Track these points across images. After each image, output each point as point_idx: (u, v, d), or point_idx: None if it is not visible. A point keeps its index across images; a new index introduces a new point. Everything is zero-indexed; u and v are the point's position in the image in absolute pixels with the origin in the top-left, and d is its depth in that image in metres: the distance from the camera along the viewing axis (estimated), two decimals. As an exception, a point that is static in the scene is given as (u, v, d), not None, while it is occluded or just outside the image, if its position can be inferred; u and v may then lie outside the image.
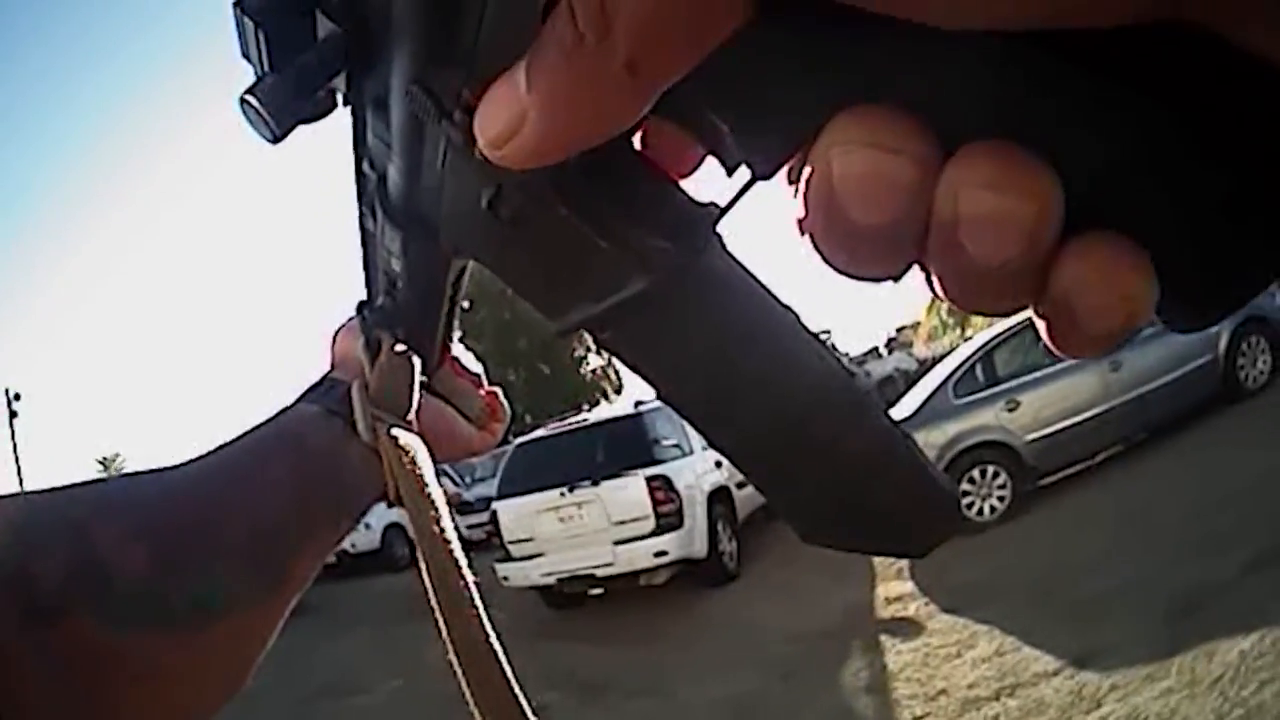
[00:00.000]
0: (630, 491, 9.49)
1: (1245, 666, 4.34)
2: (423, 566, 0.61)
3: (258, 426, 0.72)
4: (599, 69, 0.22)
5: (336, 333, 0.79)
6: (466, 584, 0.60)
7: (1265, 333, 9.17)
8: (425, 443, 0.70)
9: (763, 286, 0.36)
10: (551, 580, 9.94)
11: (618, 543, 9.57)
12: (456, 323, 0.75)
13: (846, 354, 25.11)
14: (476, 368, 0.87)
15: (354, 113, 0.48)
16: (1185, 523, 6.51)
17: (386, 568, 16.29)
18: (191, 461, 0.68)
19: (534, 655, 8.19)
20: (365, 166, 0.56)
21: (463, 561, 0.61)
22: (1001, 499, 8.69)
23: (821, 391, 0.36)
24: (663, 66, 0.23)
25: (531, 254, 0.40)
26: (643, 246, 0.35)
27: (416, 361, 0.73)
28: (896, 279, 0.26)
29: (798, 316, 0.36)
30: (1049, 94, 0.23)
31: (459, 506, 15.52)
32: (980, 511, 8.68)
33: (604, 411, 12.64)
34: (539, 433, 11.30)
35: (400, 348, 0.72)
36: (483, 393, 0.87)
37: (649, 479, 9.44)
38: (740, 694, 6.62)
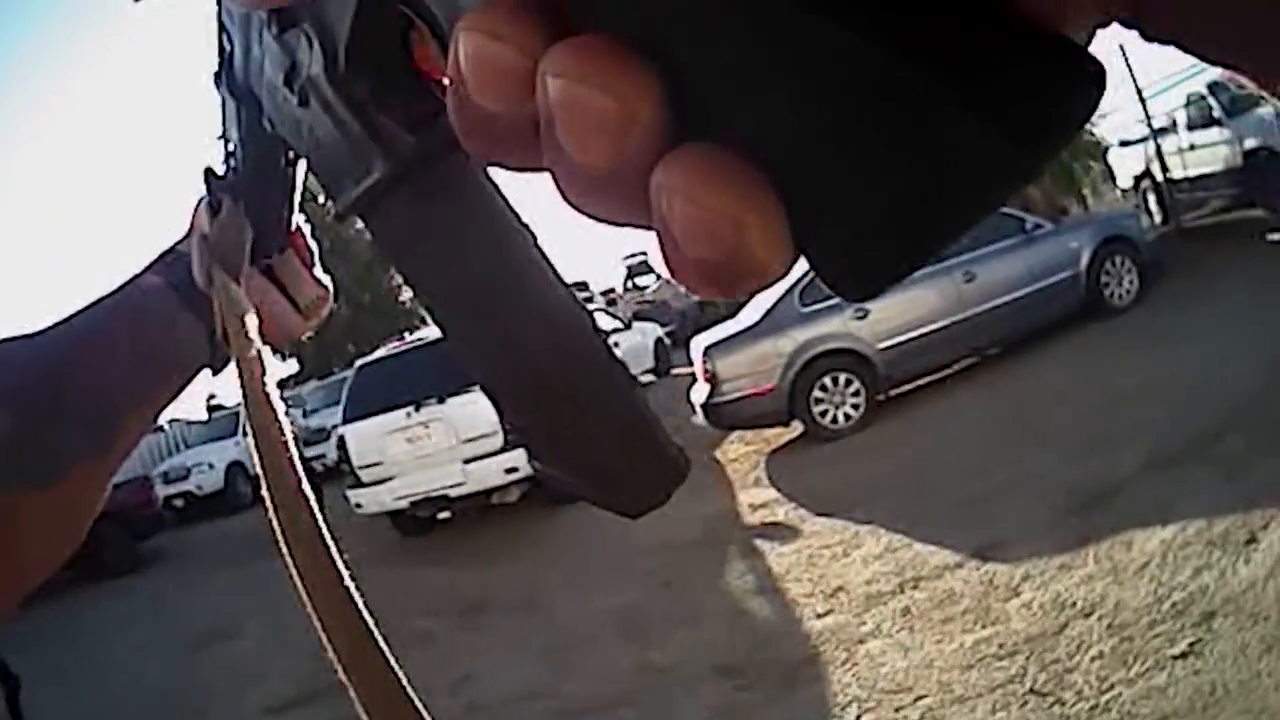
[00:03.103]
0: (478, 407, 8.85)
1: (1172, 554, 4.26)
2: (243, 408, 0.59)
3: (107, 295, 0.79)
4: None
5: (199, 203, 0.78)
6: (283, 429, 0.56)
7: (1129, 253, 9.29)
8: None
9: (506, 203, 0.38)
10: (404, 504, 9.45)
11: (468, 461, 9.13)
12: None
13: (659, 276, 24.83)
14: (312, 246, 0.88)
15: None
16: (1065, 428, 6.50)
17: (231, 508, 15.79)
18: (48, 329, 0.74)
19: (401, 582, 7.75)
20: (224, 39, 0.61)
21: (280, 411, 0.57)
22: (856, 406, 8.58)
23: (544, 317, 0.38)
24: None
25: (315, 133, 0.43)
26: (387, 134, 0.38)
27: (249, 226, 0.74)
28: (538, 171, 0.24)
29: (535, 238, 0.38)
30: None
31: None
32: (834, 419, 8.56)
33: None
34: (380, 353, 10.69)
35: (237, 210, 0.74)
36: (313, 280, 0.88)
37: (494, 395, 8.89)
38: (624, 605, 6.29)
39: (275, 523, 0.53)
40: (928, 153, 0.17)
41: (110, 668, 8.10)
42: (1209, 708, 3.25)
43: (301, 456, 0.59)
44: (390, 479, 9.38)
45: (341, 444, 9.76)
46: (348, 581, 0.51)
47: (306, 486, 0.55)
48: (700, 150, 0.20)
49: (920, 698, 3.92)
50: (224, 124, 0.71)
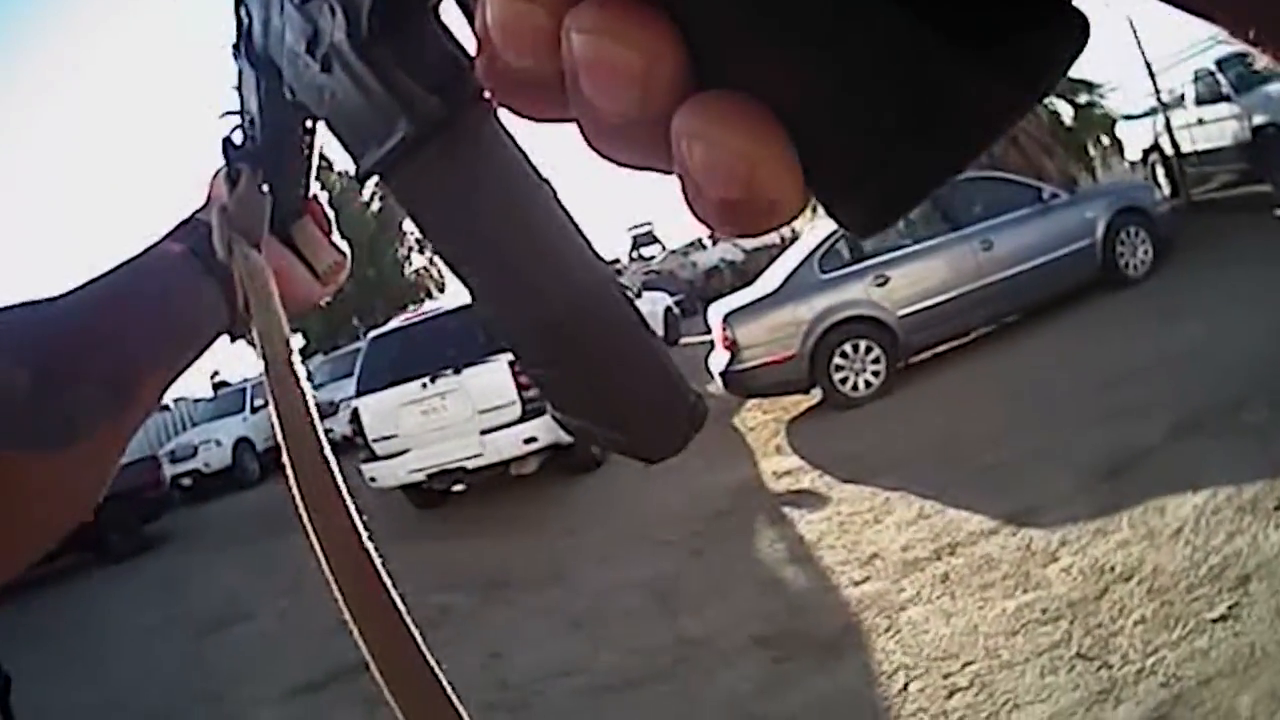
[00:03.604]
0: (494, 376, 8.97)
1: (1205, 520, 4.39)
2: (265, 378, 0.61)
3: (128, 260, 0.79)
4: None
5: (217, 173, 0.81)
6: (306, 399, 0.59)
7: (1143, 224, 9.47)
8: None
9: (525, 158, 0.40)
10: (421, 476, 9.46)
11: (485, 432, 9.15)
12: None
13: (664, 246, 24.94)
14: (328, 212, 0.91)
15: None
16: (1086, 395, 6.63)
17: (240, 485, 16.05)
18: (69, 292, 0.74)
19: (420, 557, 7.78)
20: (242, 11, 0.64)
21: (304, 381, 0.61)
22: (876, 374, 8.70)
23: (565, 266, 0.39)
24: None
25: (339, 97, 0.45)
26: (411, 96, 0.40)
27: (268, 195, 0.76)
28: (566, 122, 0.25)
29: (554, 191, 0.40)
30: None
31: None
32: (855, 386, 8.68)
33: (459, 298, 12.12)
34: (393, 324, 10.69)
35: (256, 180, 0.76)
36: (330, 245, 0.90)
37: (512, 362, 8.89)
38: (654, 576, 6.37)
39: (296, 491, 0.54)
40: (925, 93, 0.19)
41: (120, 653, 8.13)
42: (1249, 668, 3.36)
43: None
44: (405, 452, 9.40)
45: (355, 417, 9.75)
46: (373, 554, 0.53)
47: (330, 455, 0.57)
48: (715, 96, 0.21)
49: (968, 664, 4.04)
50: (241, 95, 0.73)
